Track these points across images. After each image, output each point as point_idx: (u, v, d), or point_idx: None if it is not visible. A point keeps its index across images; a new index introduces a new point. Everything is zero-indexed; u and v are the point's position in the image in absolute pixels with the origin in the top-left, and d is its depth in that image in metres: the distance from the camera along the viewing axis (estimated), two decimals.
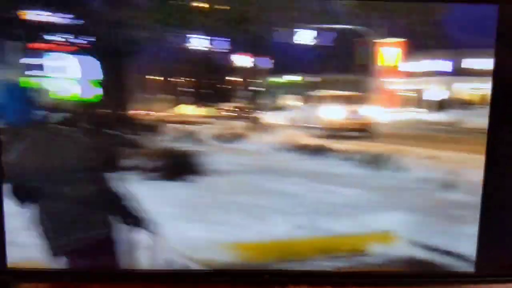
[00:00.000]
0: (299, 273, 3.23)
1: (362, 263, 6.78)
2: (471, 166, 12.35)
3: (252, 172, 10.24)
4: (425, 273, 2.65)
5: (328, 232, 7.42)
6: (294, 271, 4.31)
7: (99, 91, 10.82)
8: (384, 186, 9.53)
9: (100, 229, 3.35)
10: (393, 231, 7.30)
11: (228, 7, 10.78)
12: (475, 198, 8.47)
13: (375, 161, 10.91)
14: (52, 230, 3.32)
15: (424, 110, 39.46)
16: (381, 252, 6.99)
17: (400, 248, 7.08)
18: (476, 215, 7.45)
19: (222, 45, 26.44)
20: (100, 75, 11.06)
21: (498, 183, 1.63)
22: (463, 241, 6.64)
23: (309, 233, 7.40)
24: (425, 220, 7.33)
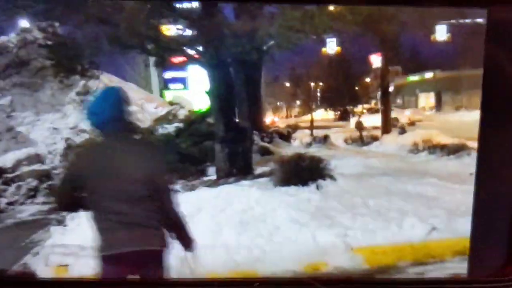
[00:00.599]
0: (289, 281, 3.32)
1: None
2: None
3: (386, 174, 10.03)
4: (418, 280, 2.77)
5: (462, 233, 7.09)
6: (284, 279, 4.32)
7: (229, 102, 11.20)
8: None
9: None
10: None
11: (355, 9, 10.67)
12: None
13: None
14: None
15: None
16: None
17: None
18: None
19: (354, 47, 26.17)
20: (232, 86, 11.45)
21: (490, 186, 1.65)
22: None
23: (443, 235, 7.12)
24: None
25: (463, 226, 7.40)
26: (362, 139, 18.69)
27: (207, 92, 11.33)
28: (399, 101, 55.32)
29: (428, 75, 50.09)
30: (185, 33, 11.82)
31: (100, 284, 2.62)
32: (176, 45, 11.09)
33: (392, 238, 7.09)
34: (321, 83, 48.74)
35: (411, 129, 20.86)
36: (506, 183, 1.62)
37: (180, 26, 11.51)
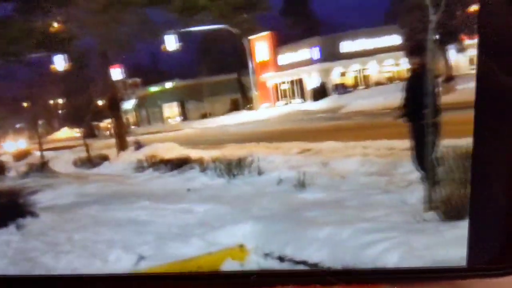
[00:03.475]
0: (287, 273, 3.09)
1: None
2: (344, 154, 12.10)
3: (97, 202, 9.32)
4: (416, 269, 2.61)
5: (174, 258, 6.71)
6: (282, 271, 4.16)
7: None
8: (238, 194, 8.98)
9: None
10: (246, 244, 6.78)
11: None
12: (331, 194, 8.10)
13: (231, 168, 10.32)
14: None
15: (302, 100, 39.31)
16: (235, 267, 6.46)
17: (253, 262, 6.56)
18: (329, 215, 7.10)
19: (90, 61, 24.89)
20: None
21: (486, 177, 1.24)
22: (314, 246, 6.24)
23: (154, 263, 6.66)
24: (279, 228, 6.81)
25: (175, 251, 7.10)
26: (90, 160, 17.72)
27: None
28: (144, 113, 55.39)
29: (168, 85, 50.79)
30: None
31: None
32: None
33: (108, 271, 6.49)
34: (60, 100, 46.50)
35: (149, 143, 20.48)
36: (502, 168, 1.57)
37: None
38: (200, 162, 11.45)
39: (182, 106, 51.59)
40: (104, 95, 22.71)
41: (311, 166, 11.13)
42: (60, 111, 48.57)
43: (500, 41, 1.51)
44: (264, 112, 36.76)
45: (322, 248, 5.96)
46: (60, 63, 24.37)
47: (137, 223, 7.83)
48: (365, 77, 37.66)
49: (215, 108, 47.64)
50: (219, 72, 45.93)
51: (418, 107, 6.65)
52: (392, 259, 5.10)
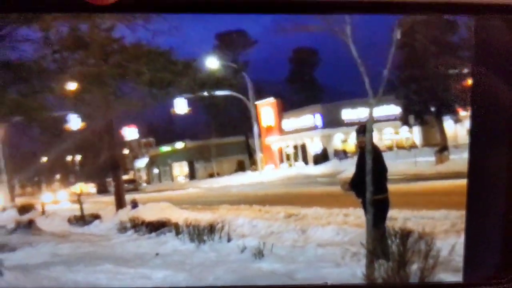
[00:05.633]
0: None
1: None
2: (325, 221, 12.24)
3: (64, 263, 9.51)
4: (414, 285, 2.61)
5: None
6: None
7: None
8: (201, 261, 9.13)
9: None
10: None
11: None
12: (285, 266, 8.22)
13: (203, 233, 10.51)
14: None
15: (304, 164, 39.68)
16: None
17: None
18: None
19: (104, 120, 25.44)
20: None
21: (481, 191, 1.40)
22: None
23: None
24: None
25: None
26: (83, 219, 18.01)
27: None
28: (155, 171, 56.29)
29: (179, 145, 51.81)
30: None
31: None
32: None
33: None
34: (78, 156, 47.43)
35: (145, 202, 20.77)
36: (497, 187, 1.57)
37: None
38: (177, 226, 11.64)
39: (191, 166, 52.31)
40: (109, 154, 23.05)
41: (290, 233, 11.34)
42: (75, 167, 49.33)
43: (491, 112, 1.61)
44: (267, 174, 37.20)
45: None
46: (74, 122, 25.09)
47: (94, 286, 7.99)
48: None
49: (222, 168, 48.35)
50: (227, 134, 47.01)
51: (362, 183, 6.89)
52: None
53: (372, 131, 7.37)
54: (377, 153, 7.74)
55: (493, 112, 1.64)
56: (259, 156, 40.94)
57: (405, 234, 6.59)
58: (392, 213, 11.89)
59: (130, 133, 49.25)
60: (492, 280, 1.58)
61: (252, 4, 0.82)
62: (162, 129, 51.87)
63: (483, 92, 1.68)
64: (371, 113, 7.82)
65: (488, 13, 1.38)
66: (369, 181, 6.72)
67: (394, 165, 27.00)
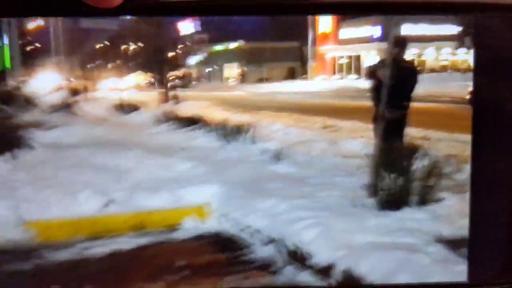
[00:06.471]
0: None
1: (171, 239, 6.67)
2: (358, 135, 12.35)
3: (94, 145, 9.93)
4: (418, 285, 2.68)
5: (143, 207, 7.20)
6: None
7: None
8: (222, 159, 9.39)
9: None
10: (210, 205, 7.17)
11: None
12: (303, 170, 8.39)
13: (232, 133, 10.72)
14: None
15: (357, 76, 39.42)
16: (192, 227, 6.87)
17: (213, 224, 6.95)
18: (286, 189, 7.39)
19: None
20: None
21: (485, 188, 1.47)
22: (257, 215, 6.59)
23: (122, 209, 7.17)
24: (238, 194, 7.21)
25: (143, 201, 7.58)
26: (125, 107, 18.51)
27: None
28: (205, 70, 56.33)
29: (233, 45, 51.28)
30: None
31: None
32: None
33: (70, 212, 7.01)
34: (134, 46, 47.61)
35: (189, 100, 21.19)
36: (502, 185, 1.54)
37: None
38: (209, 124, 11.88)
39: (241, 68, 52.14)
40: (161, 47, 23.15)
41: (320, 143, 11.44)
42: (128, 57, 49.58)
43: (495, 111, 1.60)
44: (317, 84, 36.85)
45: (263, 218, 6.33)
46: None
47: (119, 170, 8.37)
48: (421, 62, 37.08)
49: (272, 73, 47.94)
50: (282, 38, 46.11)
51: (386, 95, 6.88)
52: (306, 237, 5.42)
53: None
54: (412, 70, 7.64)
55: (497, 111, 1.59)
56: (311, 64, 40.41)
57: (412, 150, 6.61)
58: (426, 133, 11.92)
59: (185, 27, 48.98)
60: (498, 280, 1.52)
61: (256, 6, 0.89)
62: (217, 27, 51.32)
63: (486, 92, 1.64)
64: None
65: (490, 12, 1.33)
66: (394, 96, 6.69)
67: (445, 86, 26.47)
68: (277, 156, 8.81)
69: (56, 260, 5.92)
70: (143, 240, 6.59)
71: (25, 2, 0.77)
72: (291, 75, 46.81)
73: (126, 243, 6.46)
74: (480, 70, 1.64)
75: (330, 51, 43.24)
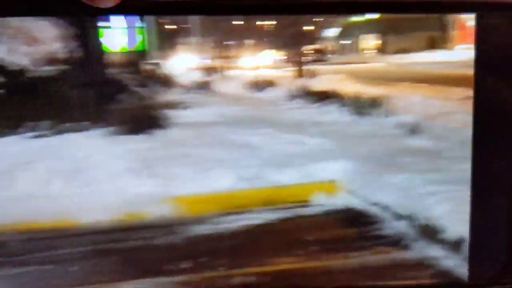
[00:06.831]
0: None
1: (300, 214, 6.68)
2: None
3: (226, 124, 10.13)
4: (419, 286, 2.75)
5: (272, 183, 7.27)
6: None
7: None
8: (354, 133, 9.19)
9: None
10: (340, 181, 7.09)
11: None
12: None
13: (365, 106, 10.46)
14: None
15: None
16: (322, 202, 6.84)
17: (342, 199, 6.87)
18: (419, 163, 7.08)
19: None
20: None
21: (485, 188, 1.61)
22: (387, 190, 6.39)
23: (252, 185, 7.29)
24: (368, 169, 7.05)
25: (271, 177, 7.63)
26: (258, 84, 18.71)
27: None
28: (341, 42, 55.37)
29: (370, 15, 49.95)
30: None
31: None
32: None
33: (209, 188, 7.24)
34: (269, 22, 47.97)
35: (324, 74, 21.03)
36: (503, 182, 1.52)
37: None
38: (342, 98, 11.71)
39: (380, 39, 50.75)
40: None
41: (460, 114, 10.89)
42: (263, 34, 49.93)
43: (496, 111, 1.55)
44: (458, 54, 35.03)
45: (393, 193, 6.14)
46: None
47: (250, 147, 8.50)
48: None
49: (411, 44, 46.15)
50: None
51: None
52: (438, 212, 5.19)
53: None
54: None
55: (498, 111, 1.45)
56: (451, 33, 38.42)
57: None
58: None
59: None
60: (498, 280, 1.49)
61: (257, 6, 0.90)
62: None
63: (487, 92, 1.48)
64: None
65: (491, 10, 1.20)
66: None
67: None
68: (413, 129, 8.49)
69: (200, 233, 6.10)
70: (273, 215, 6.65)
71: (25, 2, 0.78)
72: (431, 45, 44.87)
73: (257, 218, 6.56)
74: (481, 68, 1.46)
75: (471, 19, 40.68)
